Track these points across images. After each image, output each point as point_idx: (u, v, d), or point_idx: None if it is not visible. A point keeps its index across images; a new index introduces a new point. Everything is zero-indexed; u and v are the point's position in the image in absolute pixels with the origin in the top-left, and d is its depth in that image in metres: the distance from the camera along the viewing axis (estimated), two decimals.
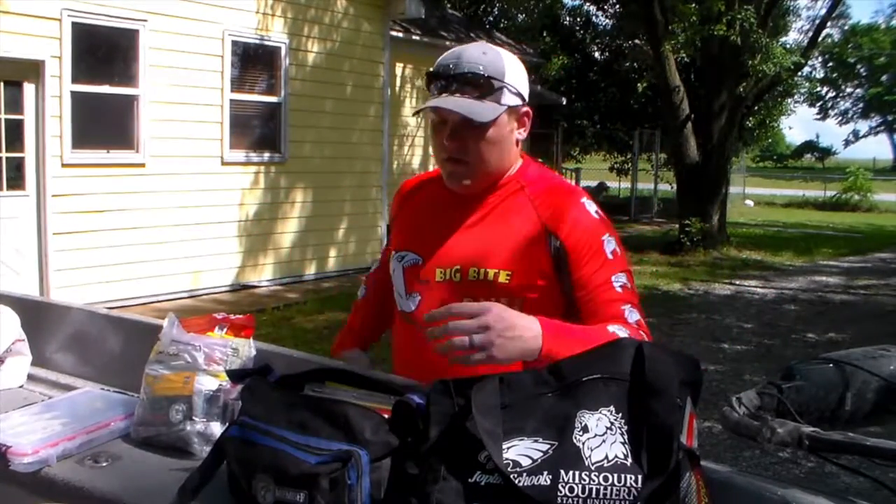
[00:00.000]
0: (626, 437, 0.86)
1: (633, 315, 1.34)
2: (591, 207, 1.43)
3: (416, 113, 1.47)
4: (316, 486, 0.97)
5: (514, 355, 1.17)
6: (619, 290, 1.35)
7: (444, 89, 1.37)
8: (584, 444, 0.86)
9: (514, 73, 1.39)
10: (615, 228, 1.45)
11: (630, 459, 0.84)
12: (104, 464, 1.23)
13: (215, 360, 1.31)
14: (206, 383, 1.30)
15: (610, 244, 1.39)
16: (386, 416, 1.05)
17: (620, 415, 0.88)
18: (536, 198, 1.43)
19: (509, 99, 1.38)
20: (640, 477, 0.83)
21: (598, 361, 0.95)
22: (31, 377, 1.64)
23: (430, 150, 1.57)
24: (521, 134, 1.45)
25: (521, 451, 0.88)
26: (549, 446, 0.88)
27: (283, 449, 1.02)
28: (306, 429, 1.03)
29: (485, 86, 1.36)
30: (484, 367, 1.13)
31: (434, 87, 1.39)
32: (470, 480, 0.90)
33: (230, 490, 1.10)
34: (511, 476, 0.86)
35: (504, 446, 0.89)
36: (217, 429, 1.27)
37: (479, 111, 1.35)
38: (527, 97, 1.43)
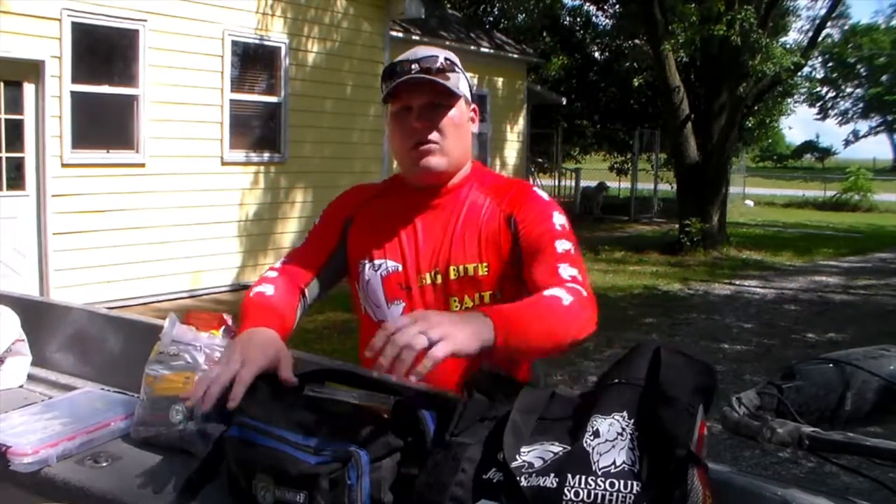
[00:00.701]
0: (634, 443, 0.86)
1: (567, 271, 1.34)
2: (543, 193, 1.51)
3: (386, 98, 1.47)
4: (316, 486, 0.97)
5: (472, 340, 1.09)
6: (560, 252, 1.38)
7: (406, 74, 1.41)
8: (593, 448, 0.86)
9: (462, 68, 1.48)
10: (616, 228, 1.47)
11: (637, 466, 0.84)
12: (104, 464, 1.23)
13: (215, 360, 1.30)
14: None
15: (559, 219, 1.44)
16: (386, 416, 1.05)
17: (632, 420, 0.87)
18: (492, 191, 1.50)
19: (464, 88, 1.46)
20: (645, 484, 0.82)
21: (617, 366, 0.95)
22: (31, 377, 1.64)
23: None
24: (475, 128, 1.53)
25: (539, 453, 0.89)
26: (561, 449, 0.89)
27: (282, 449, 1.02)
28: (306, 429, 1.03)
29: (445, 69, 1.43)
30: (453, 365, 1.13)
31: (392, 81, 1.43)
32: (485, 476, 0.91)
33: (230, 490, 1.10)
34: (521, 476, 0.86)
35: (524, 449, 0.90)
36: (217, 429, 1.27)
37: (447, 83, 1.41)
38: (472, 97, 1.52)
